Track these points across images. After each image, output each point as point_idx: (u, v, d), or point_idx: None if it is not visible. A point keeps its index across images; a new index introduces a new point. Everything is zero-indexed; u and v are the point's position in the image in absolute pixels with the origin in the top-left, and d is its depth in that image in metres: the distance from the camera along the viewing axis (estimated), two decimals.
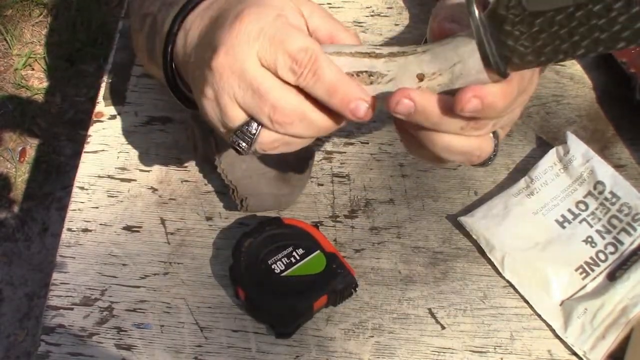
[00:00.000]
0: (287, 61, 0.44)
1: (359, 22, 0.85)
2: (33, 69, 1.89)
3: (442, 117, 0.44)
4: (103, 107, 0.78)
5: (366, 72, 0.45)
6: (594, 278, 0.66)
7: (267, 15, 0.45)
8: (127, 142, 0.76)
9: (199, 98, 0.48)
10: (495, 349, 0.64)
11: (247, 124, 0.46)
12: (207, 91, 0.46)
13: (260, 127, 0.46)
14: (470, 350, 0.64)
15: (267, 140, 0.47)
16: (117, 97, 0.79)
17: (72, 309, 0.66)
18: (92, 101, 0.81)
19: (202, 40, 0.49)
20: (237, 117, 0.46)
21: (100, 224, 0.71)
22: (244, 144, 0.47)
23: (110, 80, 0.80)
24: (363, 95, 0.45)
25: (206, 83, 0.46)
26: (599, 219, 0.69)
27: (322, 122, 0.46)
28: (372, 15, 0.86)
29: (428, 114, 0.44)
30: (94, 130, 0.77)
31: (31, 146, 1.77)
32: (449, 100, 0.43)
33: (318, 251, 0.65)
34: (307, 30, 0.47)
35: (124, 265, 0.68)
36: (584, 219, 0.69)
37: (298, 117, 0.45)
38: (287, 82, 0.45)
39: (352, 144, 0.76)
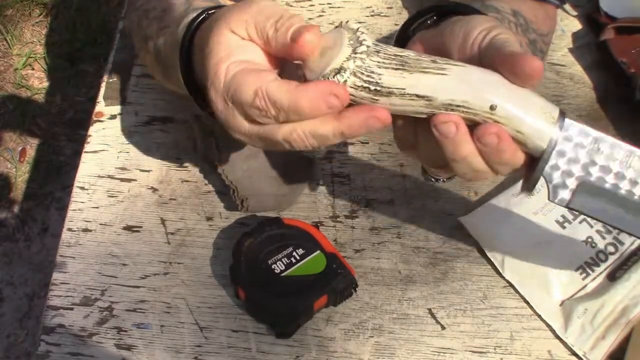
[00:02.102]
0: (255, 112, 0.46)
1: (359, 22, 0.85)
2: (33, 69, 1.89)
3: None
4: (103, 107, 0.78)
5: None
6: (594, 278, 0.66)
7: (220, 72, 0.47)
8: (127, 142, 0.76)
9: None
10: (495, 349, 0.64)
11: None
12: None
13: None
14: (470, 351, 0.64)
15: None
16: (117, 97, 0.79)
17: (72, 309, 0.66)
18: (92, 101, 0.81)
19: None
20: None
21: (101, 224, 0.71)
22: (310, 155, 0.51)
23: (110, 80, 0.80)
24: (323, 91, 0.45)
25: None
26: None
27: (334, 130, 0.47)
28: (372, 15, 0.86)
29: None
30: (94, 130, 0.77)
31: (31, 146, 1.76)
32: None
33: (318, 251, 0.65)
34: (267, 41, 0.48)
35: (124, 265, 0.68)
36: (584, 219, 0.69)
37: (311, 141, 0.47)
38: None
39: (352, 144, 0.76)
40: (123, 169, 0.74)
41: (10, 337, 1.50)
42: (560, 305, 0.65)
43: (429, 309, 0.66)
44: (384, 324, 0.65)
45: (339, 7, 0.86)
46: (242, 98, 0.46)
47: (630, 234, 0.48)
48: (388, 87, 0.44)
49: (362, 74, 0.44)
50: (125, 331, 0.65)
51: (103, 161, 0.75)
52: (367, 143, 0.76)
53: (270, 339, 0.64)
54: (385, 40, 0.84)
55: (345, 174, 0.74)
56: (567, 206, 0.48)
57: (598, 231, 0.68)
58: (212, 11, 0.55)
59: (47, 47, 1.92)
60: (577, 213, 0.69)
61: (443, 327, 0.65)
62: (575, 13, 0.88)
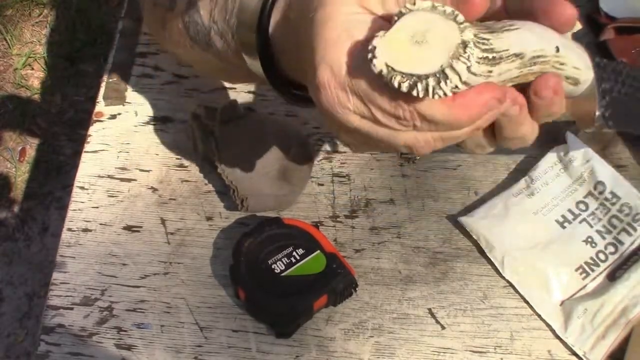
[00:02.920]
0: (389, 118, 0.40)
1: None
2: (33, 69, 1.89)
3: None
4: (103, 107, 0.78)
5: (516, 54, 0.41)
6: (594, 278, 0.66)
7: (338, 61, 0.40)
8: (127, 142, 0.76)
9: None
10: (495, 349, 0.64)
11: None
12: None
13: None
14: (470, 351, 0.64)
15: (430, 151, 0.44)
16: (117, 97, 0.79)
17: (72, 308, 0.66)
18: (92, 101, 0.81)
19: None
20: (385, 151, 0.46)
21: (101, 224, 0.71)
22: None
23: (110, 80, 0.80)
24: (487, 99, 0.40)
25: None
26: (599, 219, 0.69)
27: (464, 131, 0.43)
28: None
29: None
30: (94, 130, 0.77)
31: (31, 146, 1.77)
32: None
33: (318, 251, 0.65)
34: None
35: (124, 265, 0.68)
36: (584, 219, 0.69)
37: (437, 144, 0.42)
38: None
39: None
40: (123, 169, 0.74)
41: (10, 336, 1.50)
42: (560, 305, 0.65)
43: (429, 309, 0.66)
44: (384, 324, 0.65)
45: None
46: (377, 100, 0.39)
47: None
48: (498, 52, 0.39)
49: (479, 42, 0.38)
50: (125, 331, 0.65)
51: (103, 161, 0.75)
52: None
53: (270, 339, 0.64)
54: None
55: (345, 174, 0.74)
56: (611, 127, 0.48)
57: (598, 231, 0.68)
58: None
59: (46, 47, 1.92)
60: (577, 213, 0.69)
61: (443, 327, 0.65)
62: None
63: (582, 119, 0.49)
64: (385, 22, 0.40)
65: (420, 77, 0.37)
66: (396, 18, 0.39)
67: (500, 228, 0.68)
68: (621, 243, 0.68)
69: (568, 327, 0.64)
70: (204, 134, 0.70)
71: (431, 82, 0.37)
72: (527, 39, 0.41)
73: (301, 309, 0.63)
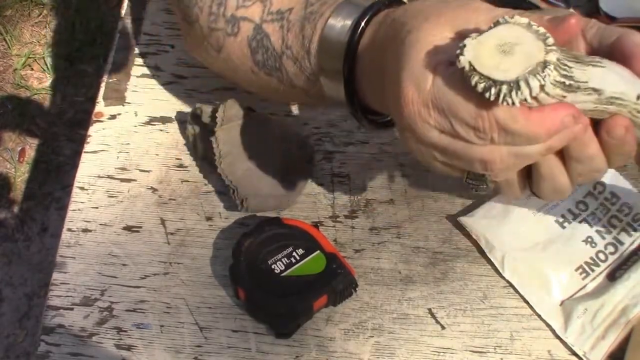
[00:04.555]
0: (468, 130, 0.43)
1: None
2: (32, 69, 1.89)
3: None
4: (103, 107, 0.78)
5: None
6: (594, 278, 0.66)
7: (424, 77, 0.43)
8: (127, 142, 0.76)
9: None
10: (495, 349, 0.64)
11: (468, 174, 0.47)
12: (417, 157, 0.47)
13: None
14: (470, 351, 0.64)
15: (502, 176, 0.46)
16: (117, 97, 0.79)
17: (72, 309, 0.66)
18: (92, 101, 0.81)
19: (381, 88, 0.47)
20: (454, 173, 0.47)
21: (100, 224, 0.71)
22: (475, 190, 0.49)
23: (109, 80, 0.80)
24: (563, 115, 0.42)
25: (410, 151, 0.47)
26: (599, 219, 0.69)
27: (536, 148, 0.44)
28: None
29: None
30: (93, 130, 0.77)
31: (30, 146, 1.76)
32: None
33: (318, 251, 0.65)
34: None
35: (124, 265, 0.68)
36: (584, 219, 0.69)
37: (511, 161, 0.44)
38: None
39: (352, 144, 0.76)
40: (123, 169, 0.74)
41: (9, 337, 1.50)
42: (560, 305, 0.65)
43: (429, 309, 0.66)
44: (384, 324, 0.65)
45: None
46: (459, 111, 0.42)
47: None
48: (577, 81, 0.41)
49: (560, 67, 0.41)
50: (125, 331, 0.65)
51: (103, 161, 0.75)
52: (367, 143, 0.76)
53: (270, 339, 0.64)
54: None
55: (345, 174, 0.74)
56: None
57: (598, 231, 0.68)
58: (388, 1, 0.51)
59: (46, 48, 1.92)
60: (577, 213, 0.69)
61: (443, 327, 0.65)
62: (575, 13, 0.88)
63: None
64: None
65: (495, 82, 0.39)
66: (492, 25, 0.41)
67: (500, 228, 0.68)
68: (621, 243, 0.68)
69: (568, 327, 0.64)
70: (204, 134, 0.70)
71: (504, 89, 0.39)
72: (610, 78, 0.42)
73: (301, 309, 0.63)
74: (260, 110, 0.73)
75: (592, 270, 0.67)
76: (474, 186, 0.48)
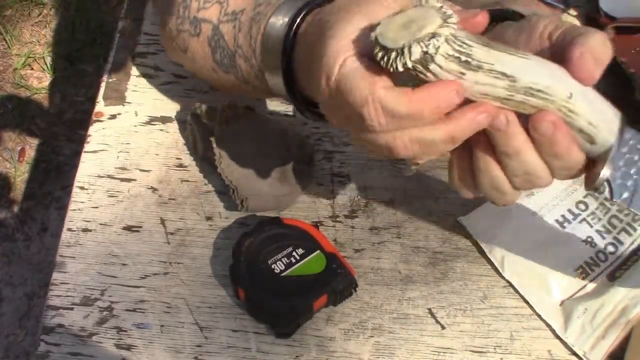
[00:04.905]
0: (358, 120, 0.44)
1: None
2: (32, 69, 1.89)
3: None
4: (103, 107, 0.78)
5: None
6: (594, 278, 0.66)
7: (337, 63, 0.45)
8: (127, 142, 0.76)
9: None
10: (495, 349, 0.64)
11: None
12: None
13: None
14: (470, 350, 0.64)
15: (420, 160, 0.47)
16: (117, 97, 0.79)
17: (72, 308, 0.66)
18: (92, 101, 0.81)
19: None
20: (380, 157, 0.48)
21: (100, 224, 0.71)
22: (405, 173, 0.52)
23: (109, 80, 0.80)
24: (443, 91, 0.43)
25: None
26: (599, 219, 0.69)
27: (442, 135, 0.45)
28: None
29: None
30: (93, 130, 0.77)
31: (30, 146, 1.76)
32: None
33: (318, 251, 0.65)
34: None
35: (124, 265, 0.68)
36: (584, 219, 0.69)
37: (415, 147, 0.45)
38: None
39: (352, 143, 0.76)
40: (123, 169, 0.74)
41: (9, 337, 1.50)
42: (560, 305, 0.65)
43: (429, 309, 0.66)
44: (384, 324, 0.65)
45: None
46: (350, 101, 0.44)
47: None
48: (478, 60, 0.43)
49: (455, 42, 0.42)
50: (125, 331, 0.65)
51: (103, 161, 0.75)
52: None
53: (270, 339, 0.64)
54: None
55: (345, 174, 0.74)
56: (629, 207, 0.48)
57: (598, 231, 0.68)
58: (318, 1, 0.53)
59: (46, 47, 1.92)
60: (577, 213, 0.69)
61: (443, 327, 0.65)
62: (575, 13, 0.88)
63: (587, 177, 0.49)
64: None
65: (387, 50, 0.42)
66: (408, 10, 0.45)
67: (500, 228, 0.68)
68: (621, 243, 0.68)
69: (568, 327, 0.64)
70: (204, 134, 0.70)
71: (392, 55, 0.42)
72: (530, 70, 0.43)
73: (301, 309, 0.63)
74: (260, 110, 0.73)
75: (592, 270, 0.67)
76: (398, 169, 0.50)
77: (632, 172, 0.47)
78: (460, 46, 0.43)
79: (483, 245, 0.68)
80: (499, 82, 0.43)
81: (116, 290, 0.67)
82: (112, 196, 0.72)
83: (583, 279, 0.66)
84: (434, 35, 0.42)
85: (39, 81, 1.87)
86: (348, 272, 0.64)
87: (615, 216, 0.69)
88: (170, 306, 0.66)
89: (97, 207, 0.72)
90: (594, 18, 0.85)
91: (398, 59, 0.42)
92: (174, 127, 0.77)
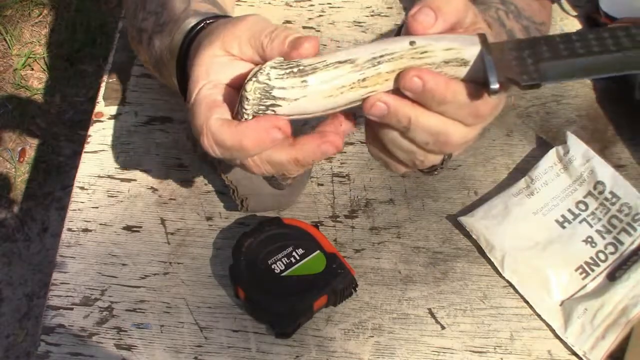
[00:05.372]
0: (210, 150, 0.46)
1: (359, 22, 0.85)
2: (32, 69, 1.89)
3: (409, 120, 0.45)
4: (103, 107, 0.78)
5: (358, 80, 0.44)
6: (594, 278, 0.66)
7: (193, 90, 0.47)
8: (127, 142, 0.76)
9: None
10: (495, 349, 0.64)
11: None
12: None
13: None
14: (470, 350, 0.64)
15: (288, 175, 0.50)
16: (117, 97, 0.79)
17: (72, 309, 0.66)
18: (92, 101, 0.81)
19: None
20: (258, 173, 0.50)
21: (100, 224, 0.71)
22: (282, 183, 0.54)
23: (109, 80, 0.80)
24: (264, 127, 0.45)
25: None
26: (599, 219, 0.69)
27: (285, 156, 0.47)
28: (372, 15, 0.86)
29: (400, 116, 0.45)
30: (94, 130, 0.77)
31: (31, 146, 1.76)
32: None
33: (318, 251, 0.65)
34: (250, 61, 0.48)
35: (124, 265, 0.68)
36: (584, 219, 0.69)
37: (266, 167, 0.47)
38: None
39: (352, 143, 0.76)
40: (123, 169, 0.74)
41: (9, 337, 1.50)
42: (560, 305, 0.65)
43: (429, 309, 0.66)
44: (384, 324, 0.65)
45: (339, 7, 0.86)
46: (194, 125, 0.46)
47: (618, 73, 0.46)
48: (310, 64, 0.43)
49: (280, 64, 0.44)
50: (125, 331, 0.65)
51: (103, 161, 0.75)
52: None
53: (270, 339, 0.64)
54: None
55: (345, 174, 0.74)
56: (542, 82, 0.44)
57: (598, 231, 0.68)
58: (210, 21, 0.56)
59: (46, 48, 1.92)
60: (577, 213, 0.69)
61: (443, 327, 0.65)
62: (575, 13, 0.88)
63: (487, 97, 0.45)
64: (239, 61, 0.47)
65: (240, 103, 0.44)
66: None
67: (500, 228, 0.68)
68: (621, 243, 0.68)
69: (568, 327, 0.64)
70: None
71: (238, 107, 0.44)
72: (360, 48, 0.44)
73: (301, 309, 0.63)
74: None
75: (592, 270, 0.67)
76: (273, 182, 0.53)
77: (526, 53, 0.44)
78: (288, 63, 0.43)
79: (483, 245, 0.68)
80: (341, 70, 0.43)
81: (116, 290, 0.67)
82: (112, 196, 0.72)
83: (583, 278, 0.66)
84: (259, 69, 0.43)
85: (39, 81, 1.87)
86: (348, 272, 0.64)
87: (615, 216, 0.69)
88: (170, 306, 0.66)
89: (97, 207, 0.72)
90: (594, 18, 0.85)
91: (243, 103, 0.43)
92: (174, 127, 0.77)
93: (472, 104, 0.44)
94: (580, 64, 0.44)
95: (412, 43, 0.43)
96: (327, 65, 0.43)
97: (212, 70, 0.47)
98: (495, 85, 0.43)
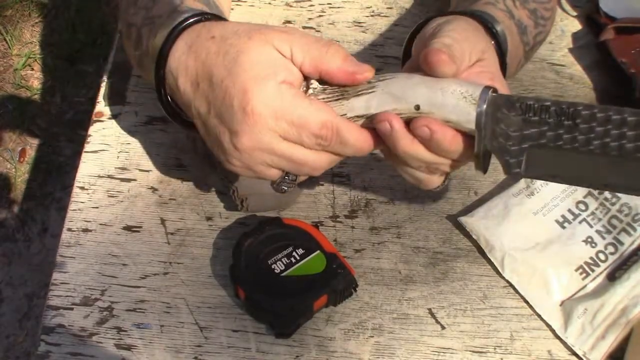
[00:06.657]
0: (312, 139, 0.51)
1: (359, 22, 0.85)
2: (33, 69, 1.89)
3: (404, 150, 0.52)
4: (103, 107, 0.78)
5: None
6: (594, 278, 0.66)
7: (269, 89, 0.50)
8: (127, 142, 0.76)
9: (223, 162, 0.55)
10: (495, 349, 0.64)
11: (286, 175, 0.56)
12: (233, 161, 0.54)
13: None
14: (470, 351, 0.64)
15: (304, 178, 0.57)
16: (117, 97, 0.79)
17: (72, 309, 0.66)
18: (92, 101, 0.81)
19: (201, 101, 0.54)
20: (274, 175, 0.55)
21: (100, 224, 0.71)
22: (285, 188, 0.57)
23: (110, 80, 0.80)
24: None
25: (231, 156, 0.53)
26: (599, 219, 0.69)
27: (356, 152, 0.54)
28: (372, 15, 0.86)
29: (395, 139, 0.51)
30: (94, 130, 0.77)
31: (31, 146, 1.76)
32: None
33: (318, 251, 0.65)
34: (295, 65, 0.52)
35: (124, 265, 0.68)
36: (584, 219, 0.69)
37: (332, 163, 0.54)
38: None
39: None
40: (123, 169, 0.74)
41: (9, 337, 1.50)
42: (560, 305, 0.65)
43: (429, 309, 0.66)
44: (384, 324, 0.65)
45: (339, 7, 0.86)
46: (307, 123, 0.50)
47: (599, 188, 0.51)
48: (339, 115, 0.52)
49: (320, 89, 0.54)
50: (125, 331, 0.65)
51: (103, 161, 0.75)
52: None
53: (270, 339, 0.64)
54: (384, 40, 0.84)
55: (345, 174, 0.74)
56: (524, 176, 0.51)
57: (598, 231, 0.68)
58: (208, 16, 0.56)
59: (46, 48, 1.92)
60: (577, 213, 0.69)
61: (443, 327, 0.65)
62: (575, 13, 0.88)
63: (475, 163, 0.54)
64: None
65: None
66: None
67: (500, 228, 0.68)
68: (621, 243, 0.68)
69: (568, 327, 0.64)
70: None
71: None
72: (372, 103, 0.52)
73: (301, 309, 0.63)
74: None
75: (592, 270, 0.67)
76: (283, 184, 0.56)
77: (516, 142, 0.49)
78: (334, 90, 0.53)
79: (483, 245, 0.68)
80: (360, 122, 0.53)
81: (116, 290, 0.67)
82: (112, 196, 0.72)
83: (583, 279, 0.66)
84: (307, 81, 0.53)
85: (39, 81, 1.87)
86: (348, 272, 0.64)
87: (615, 216, 0.69)
88: (170, 306, 0.66)
89: (97, 207, 0.72)
90: (593, 18, 0.85)
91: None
92: (174, 127, 0.77)
93: (469, 155, 0.52)
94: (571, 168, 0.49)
95: (417, 107, 0.50)
96: (349, 119, 0.53)
97: (280, 69, 0.51)
98: (483, 172, 0.53)
